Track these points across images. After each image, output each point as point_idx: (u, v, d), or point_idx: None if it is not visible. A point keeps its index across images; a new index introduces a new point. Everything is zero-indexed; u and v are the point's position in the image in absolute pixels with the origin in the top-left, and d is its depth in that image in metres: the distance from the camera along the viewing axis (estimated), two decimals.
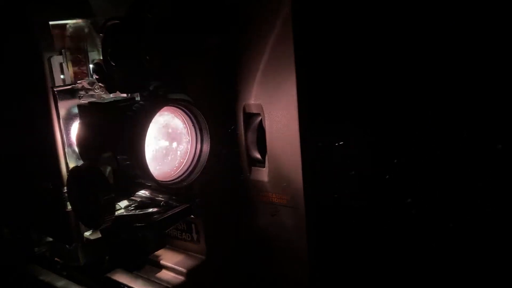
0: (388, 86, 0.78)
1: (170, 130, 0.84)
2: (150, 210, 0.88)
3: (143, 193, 0.93)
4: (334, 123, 0.81)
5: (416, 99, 0.76)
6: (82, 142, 0.87)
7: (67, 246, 1.02)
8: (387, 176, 0.79)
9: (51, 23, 0.93)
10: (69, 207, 0.94)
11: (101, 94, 0.96)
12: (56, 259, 1.12)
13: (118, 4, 0.99)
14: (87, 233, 1.00)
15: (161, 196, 0.92)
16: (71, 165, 0.94)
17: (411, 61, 0.75)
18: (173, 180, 0.85)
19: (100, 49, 0.95)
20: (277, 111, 0.83)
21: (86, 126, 0.86)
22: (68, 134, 0.94)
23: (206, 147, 0.85)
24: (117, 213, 0.84)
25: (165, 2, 0.82)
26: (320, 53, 0.79)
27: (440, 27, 0.72)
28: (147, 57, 0.78)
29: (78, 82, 0.94)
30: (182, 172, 0.86)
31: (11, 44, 0.93)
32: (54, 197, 0.96)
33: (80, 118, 0.88)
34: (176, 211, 0.83)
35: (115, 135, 0.80)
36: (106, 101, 0.84)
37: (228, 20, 0.84)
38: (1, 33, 0.95)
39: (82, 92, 0.95)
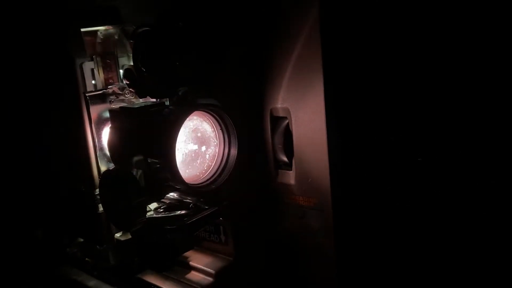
0: (415, 88, 0.78)
1: (199, 134, 0.86)
2: (179, 212, 0.89)
3: (171, 195, 0.95)
4: (361, 126, 0.82)
5: (444, 100, 0.76)
6: (114, 146, 0.89)
7: (98, 247, 1.05)
8: (415, 177, 0.79)
9: (82, 30, 0.95)
10: (101, 209, 0.97)
11: (131, 99, 0.98)
12: (87, 259, 1.15)
13: (147, 10, 1.02)
14: (117, 234, 1.02)
15: (189, 198, 0.94)
16: (103, 168, 0.97)
17: (438, 64, 0.75)
18: (202, 183, 0.86)
19: (130, 55, 0.98)
20: (304, 115, 0.83)
21: (118, 131, 0.88)
22: (99, 138, 0.96)
23: (234, 151, 0.86)
24: (147, 215, 0.86)
25: (194, 10, 0.83)
26: (348, 56, 0.79)
27: (469, 28, 0.72)
28: (178, 63, 0.79)
29: (109, 87, 0.96)
30: (210, 175, 0.87)
31: (45, 51, 0.96)
32: (86, 200, 0.98)
33: (112, 123, 0.90)
34: (205, 214, 0.84)
35: (146, 139, 0.82)
36: (136, 106, 0.86)
37: (256, 25, 0.85)
38: (35, 40, 0.98)
39: (113, 97, 0.97)
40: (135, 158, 0.84)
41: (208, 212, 0.85)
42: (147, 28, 0.83)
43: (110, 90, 0.97)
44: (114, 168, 0.85)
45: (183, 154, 0.84)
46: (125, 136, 0.87)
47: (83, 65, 0.94)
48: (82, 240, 1.14)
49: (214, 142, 0.88)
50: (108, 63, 0.99)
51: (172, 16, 0.83)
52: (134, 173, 0.86)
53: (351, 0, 0.78)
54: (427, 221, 0.80)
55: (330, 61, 0.78)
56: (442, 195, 0.78)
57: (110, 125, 0.95)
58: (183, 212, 0.89)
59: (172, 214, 0.88)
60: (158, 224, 0.84)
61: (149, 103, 0.87)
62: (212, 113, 0.85)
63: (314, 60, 0.79)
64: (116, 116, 0.89)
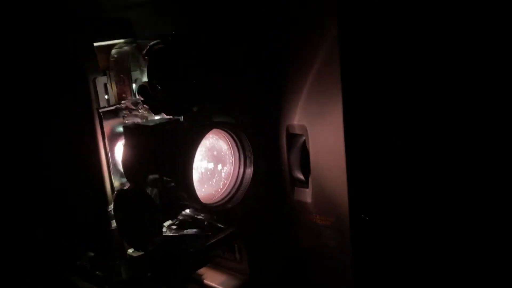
0: (437, 104, 0.77)
1: (215, 153, 0.85)
2: (194, 231, 0.88)
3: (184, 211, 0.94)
4: (380, 145, 0.80)
5: (466, 117, 0.75)
6: (128, 163, 0.88)
7: (110, 262, 1.04)
8: (439, 197, 0.78)
9: (95, 44, 0.94)
10: (113, 225, 0.96)
11: (144, 114, 0.97)
12: (97, 272, 1.14)
13: (160, 22, 1.01)
14: (130, 250, 1.01)
15: (202, 215, 0.93)
16: (116, 183, 0.96)
17: (458, 77, 0.74)
18: (217, 202, 0.85)
19: (143, 69, 0.96)
20: (322, 133, 0.82)
21: (132, 148, 0.87)
22: (112, 153, 0.95)
23: (250, 170, 0.85)
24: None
25: (210, 27, 0.82)
26: (367, 74, 0.78)
27: (488, 31, 0.71)
28: (194, 81, 0.78)
29: (122, 102, 0.95)
30: (226, 193, 0.86)
31: (58, 67, 0.95)
32: (99, 216, 0.97)
33: (126, 139, 0.89)
34: (223, 236, 0.83)
35: (162, 158, 0.81)
36: (151, 123, 0.85)
37: (273, 43, 0.83)
38: (47, 56, 0.96)
39: (126, 112, 0.96)
40: (150, 177, 0.83)
41: (226, 234, 0.83)
42: (163, 46, 0.82)
43: (123, 105, 0.96)
44: (128, 187, 0.84)
45: (199, 173, 0.83)
46: (140, 154, 0.86)
47: (96, 80, 0.93)
48: (92, 254, 1.13)
49: (229, 160, 0.86)
50: (121, 77, 0.97)
51: (188, 33, 0.82)
52: (149, 191, 0.85)
53: (370, 18, 0.76)
54: (450, 240, 0.78)
55: (348, 79, 0.77)
56: (466, 213, 0.76)
57: (123, 141, 0.94)
58: (198, 231, 0.88)
59: (187, 234, 0.87)
60: (175, 245, 0.83)
61: (164, 120, 0.86)
62: (228, 130, 0.83)
63: (333, 79, 0.78)
64: (131, 133, 0.87)
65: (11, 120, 1.05)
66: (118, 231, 0.87)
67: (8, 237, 1.18)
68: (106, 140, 0.93)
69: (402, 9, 0.75)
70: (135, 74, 0.98)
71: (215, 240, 0.82)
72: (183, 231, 0.91)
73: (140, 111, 0.96)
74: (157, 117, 0.95)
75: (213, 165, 0.85)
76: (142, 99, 0.87)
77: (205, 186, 0.84)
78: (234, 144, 0.86)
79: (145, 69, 0.94)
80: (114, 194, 0.96)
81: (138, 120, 0.97)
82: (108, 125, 0.94)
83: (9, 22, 1.01)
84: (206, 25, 0.87)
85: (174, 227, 0.93)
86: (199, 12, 0.93)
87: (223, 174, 0.86)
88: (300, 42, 0.80)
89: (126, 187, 0.95)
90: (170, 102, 0.83)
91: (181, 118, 0.88)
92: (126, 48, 0.97)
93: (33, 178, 1.07)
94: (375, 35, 0.76)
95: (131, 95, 0.99)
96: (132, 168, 0.87)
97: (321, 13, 0.76)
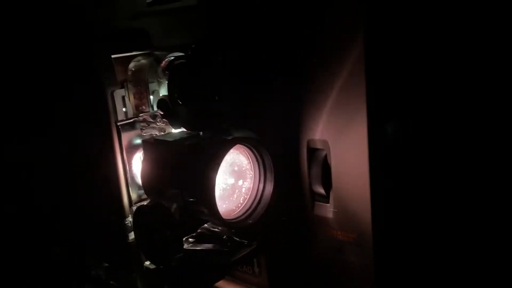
0: (464, 122, 0.76)
1: (236, 168, 0.84)
2: (213, 245, 0.88)
3: None
4: (405, 162, 0.79)
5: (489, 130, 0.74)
6: (147, 178, 0.87)
7: (127, 274, 1.03)
8: (464, 215, 0.77)
9: (113, 56, 0.93)
10: (131, 237, 0.96)
11: (162, 126, 0.96)
12: (111, 282, 1.13)
13: (179, 35, 1.00)
14: (147, 262, 1.01)
15: (219, 228, 0.92)
16: (133, 196, 0.95)
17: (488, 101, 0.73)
18: (238, 217, 0.84)
19: (160, 80, 0.96)
20: (344, 148, 0.81)
21: (152, 163, 0.86)
22: (130, 165, 0.95)
23: (270, 186, 0.84)
24: None
25: (232, 42, 0.81)
26: (392, 91, 0.77)
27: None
28: (216, 98, 0.77)
29: (140, 115, 0.95)
30: (245, 209, 0.85)
31: (76, 80, 0.94)
32: (116, 228, 0.97)
33: (145, 154, 0.88)
34: (245, 253, 0.82)
35: (182, 173, 0.80)
36: (171, 138, 0.84)
37: (297, 56, 0.82)
38: (65, 69, 0.96)
39: (143, 124, 0.95)
40: (171, 191, 0.83)
41: (248, 251, 0.83)
42: (184, 60, 0.81)
43: (141, 118, 0.95)
44: (148, 202, 0.84)
45: (220, 189, 0.82)
46: (159, 169, 0.85)
47: (114, 93, 0.92)
48: (107, 264, 1.13)
49: (249, 174, 0.85)
50: (139, 89, 0.97)
51: (208, 47, 0.81)
52: (169, 206, 0.84)
53: (396, 33, 0.75)
54: (476, 259, 0.77)
55: (374, 96, 0.76)
56: (493, 233, 0.75)
57: (141, 153, 0.94)
58: (217, 246, 0.88)
59: (208, 249, 0.86)
60: (196, 260, 0.83)
61: (184, 135, 0.85)
62: (249, 145, 0.82)
63: (357, 95, 0.77)
64: (150, 148, 0.87)
65: (31, 134, 1.05)
66: (138, 246, 0.86)
67: (24, 246, 1.18)
68: (125, 153, 0.93)
69: (429, 24, 0.74)
70: (152, 86, 0.98)
71: (239, 257, 0.82)
72: (202, 245, 0.90)
73: (158, 123, 0.95)
74: (174, 130, 0.94)
75: (234, 180, 0.84)
76: (162, 113, 0.86)
77: (226, 202, 0.83)
78: (254, 159, 0.85)
79: (163, 81, 0.95)
80: (132, 207, 0.95)
81: (156, 133, 0.97)
82: (126, 137, 0.93)
83: (28, 36, 1.00)
84: (226, 36, 0.86)
85: (192, 239, 0.92)
86: (218, 23, 0.92)
87: (243, 189, 0.85)
88: (324, 56, 0.79)
89: (145, 203, 0.95)
90: (191, 117, 0.82)
91: (200, 132, 0.88)
92: (143, 60, 0.96)
93: (51, 190, 1.07)
94: (401, 51, 0.76)
95: (149, 107, 0.98)
96: (151, 182, 0.87)
97: (347, 27, 0.75)
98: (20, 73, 1.02)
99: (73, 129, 0.98)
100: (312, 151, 0.87)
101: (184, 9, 1.04)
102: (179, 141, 0.83)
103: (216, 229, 0.92)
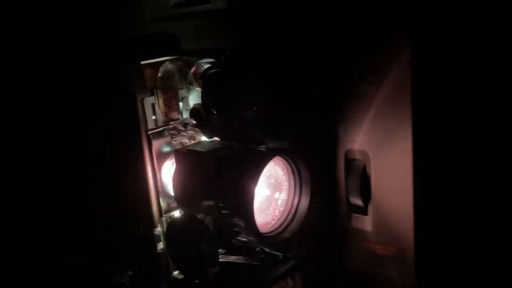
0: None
1: (272, 180, 0.81)
2: (248, 259, 0.85)
3: None
4: (450, 175, 0.76)
5: None
6: (180, 188, 0.85)
7: (155, 285, 1.01)
8: None
9: (142, 63, 0.91)
10: (159, 247, 0.93)
11: (192, 134, 0.94)
12: None
13: (209, 39, 0.98)
14: (175, 273, 0.99)
15: (250, 237, 0.90)
16: (163, 205, 0.93)
17: None
18: (273, 231, 0.82)
19: (190, 86, 0.93)
20: (386, 159, 0.78)
21: (184, 174, 0.84)
22: (159, 174, 0.92)
23: (306, 199, 0.81)
24: None
25: (267, 48, 0.78)
26: (439, 102, 0.74)
27: None
28: (255, 108, 0.75)
29: (170, 123, 0.92)
30: (280, 222, 0.83)
31: (106, 89, 0.91)
32: (145, 238, 0.95)
33: (177, 164, 0.86)
34: (283, 270, 0.80)
35: (218, 185, 0.78)
36: (205, 149, 0.81)
37: (338, 62, 0.79)
38: (95, 77, 0.93)
39: (173, 132, 0.93)
40: (205, 203, 0.80)
41: (287, 268, 0.80)
42: (218, 69, 0.78)
43: (171, 126, 0.92)
44: (181, 215, 0.81)
45: (257, 202, 0.79)
46: (193, 180, 0.83)
47: (144, 101, 0.89)
48: (131, 272, 1.11)
49: (284, 186, 0.83)
50: (168, 96, 0.94)
51: (245, 54, 0.78)
52: (203, 218, 0.82)
53: (443, 43, 0.72)
54: None
55: (420, 106, 0.73)
56: None
57: (171, 161, 0.91)
58: (252, 259, 0.85)
59: (242, 262, 0.83)
60: (232, 274, 0.80)
61: (217, 145, 0.82)
62: (286, 157, 0.80)
63: (402, 104, 0.74)
64: (183, 158, 0.84)
65: (60, 142, 1.03)
66: (172, 260, 0.83)
67: (49, 251, 1.17)
68: (155, 162, 0.90)
69: (477, 35, 0.71)
70: (181, 93, 0.95)
71: (277, 274, 0.79)
72: (234, 257, 0.88)
73: (189, 132, 0.93)
74: (203, 138, 0.92)
75: (270, 192, 0.81)
76: (194, 122, 0.84)
77: (262, 215, 0.81)
78: (290, 170, 0.82)
79: (192, 87, 0.92)
80: (161, 217, 0.93)
81: (186, 141, 0.94)
82: (156, 146, 0.90)
83: (57, 43, 0.98)
84: (261, 42, 0.83)
85: (222, 250, 0.90)
86: (250, 28, 0.89)
87: (279, 202, 0.82)
88: (367, 64, 0.76)
89: (175, 213, 0.93)
90: (226, 127, 0.80)
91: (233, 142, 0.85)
92: (172, 66, 0.93)
93: (80, 199, 1.05)
94: (449, 62, 0.72)
95: (178, 114, 0.96)
96: (184, 194, 0.84)
97: (393, 36, 0.72)
98: (47, 80, 1.00)
99: (103, 138, 0.95)
100: (350, 162, 0.84)
101: (212, 12, 1.01)
102: (214, 152, 0.80)
103: (245, 239, 0.90)
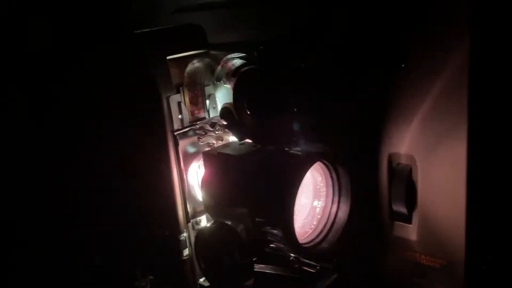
0: None
1: (310, 187, 0.75)
2: (283, 269, 0.80)
3: None
4: (509, 183, 0.70)
5: None
6: (209, 194, 0.79)
7: None
8: None
9: (168, 58, 0.84)
10: (185, 254, 0.88)
11: (220, 134, 0.88)
12: None
13: (237, 31, 0.91)
14: (201, 280, 0.94)
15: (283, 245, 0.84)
16: (190, 209, 0.87)
17: None
18: (310, 241, 0.76)
19: (216, 83, 0.86)
20: (436, 165, 0.72)
21: (215, 178, 0.78)
22: (186, 176, 0.87)
23: (346, 206, 0.76)
24: None
25: (307, 45, 0.71)
26: (497, 106, 0.67)
27: None
28: (295, 109, 0.68)
29: (197, 123, 0.86)
30: (318, 231, 0.77)
31: (131, 87, 0.85)
32: (170, 244, 0.90)
33: (206, 167, 0.80)
34: (327, 284, 0.74)
35: (253, 192, 0.72)
36: (237, 152, 0.75)
37: (386, 59, 0.72)
38: (118, 73, 0.87)
39: (200, 131, 0.87)
40: (238, 210, 0.75)
41: (329, 282, 0.74)
42: (253, 67, 0.72)
43: (198, 126, 0.86)
44: (212, 224, 0.76)
45: (295, 211, 0.73)
46: (224, 186, 0.77)
47: (170, 99, 0.83)
48: (152, 277, 1.06)
49: (323, 193, 0.77)
50: (195, 94, 0.88)
51: (282, 51, 0.71)
52: (235, 226, 0.77)
53: (505, 41, 0.65)
54: None
55: (476, 110, 0.66)
56: None
57: (198, 163, 0.86)
58: (287, 269, 0.80)
59: (279, 273, 0.78)
60: (265, 283, 0.75)
61: (251, 148, 0.76)
62: (326, 162, 0.73)
63: (456, 108, 0.67)
64: (212, 162, 0.78)
65: (84, 143, 0.98)
66: (202, 270, 0.78)
67: (69, 253, 1.13)
68: (182, 164, 0.85)
69: None
70: (208, 90, 0.89)
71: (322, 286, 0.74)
72: (267, 266, 0.82)
73: (217, 132, 0.87)
74: (231, 138, 0.86)
75: (309, 200, 0.75)
76: (225, 123, 0.78)
77: (300, 224, 0.75)
78: (328, 176, 0.76)
79: (219, 84, 0.85)
80: (188, 223, 0.88)
81: (213, 141, 0.88)
82: (182, 147, 0.85)
83: (75, 39, 0.92)
84: (300, 38, 0.76)
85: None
86: (287, 21, 0.83)
87: (317, 210, 0.76)
88: (418, 62, 0.69)
89: (201, 218, 0.88)
90: (261, 129, 0.73)
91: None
92: (198, 61, 0.87)
93: (104, 201, 1.00)
94: (508, 62, 0.65)
95: (205, 112, 0.90)
96: (214, 200, 0.79)
97: (448, 34, 0.65)
98: (68, 78, 0.94)
99: (127, 138, 0.90)
100: (394, 166, 0.78)
101: (242, 1, 0.94)
102: (247, 156, 0.74)
103: (275, 246, 0.84)
